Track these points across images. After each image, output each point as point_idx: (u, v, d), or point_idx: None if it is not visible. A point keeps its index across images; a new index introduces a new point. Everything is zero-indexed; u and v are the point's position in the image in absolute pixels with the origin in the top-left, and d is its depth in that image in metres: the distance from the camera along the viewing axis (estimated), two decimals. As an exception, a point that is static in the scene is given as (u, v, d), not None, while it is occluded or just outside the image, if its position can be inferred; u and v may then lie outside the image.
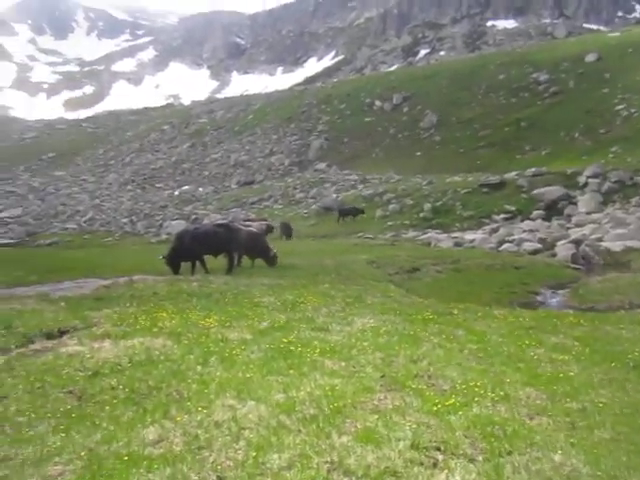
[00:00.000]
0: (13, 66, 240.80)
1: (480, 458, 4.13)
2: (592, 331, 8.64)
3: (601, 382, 6.01)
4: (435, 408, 4.99)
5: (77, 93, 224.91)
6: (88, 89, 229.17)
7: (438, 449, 4.24)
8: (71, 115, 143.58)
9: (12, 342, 7.23)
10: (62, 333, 7.88)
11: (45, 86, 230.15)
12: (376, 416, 4.80)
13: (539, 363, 6.68)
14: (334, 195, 44.92)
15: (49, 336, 7.69)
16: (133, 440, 4.35)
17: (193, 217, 44.17)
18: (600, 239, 23.06)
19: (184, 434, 4.45)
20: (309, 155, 65.85)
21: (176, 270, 15.19)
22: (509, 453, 4.21)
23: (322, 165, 61.62)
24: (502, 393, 5.47)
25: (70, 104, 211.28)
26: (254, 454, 4.07)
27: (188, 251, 15.32)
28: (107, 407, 5.12)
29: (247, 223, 22.85)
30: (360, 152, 63.45)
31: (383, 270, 18.40)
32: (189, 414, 4.84)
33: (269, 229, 26.54)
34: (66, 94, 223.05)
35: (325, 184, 51.94)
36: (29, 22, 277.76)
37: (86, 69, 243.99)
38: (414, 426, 4.58)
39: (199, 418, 4.74)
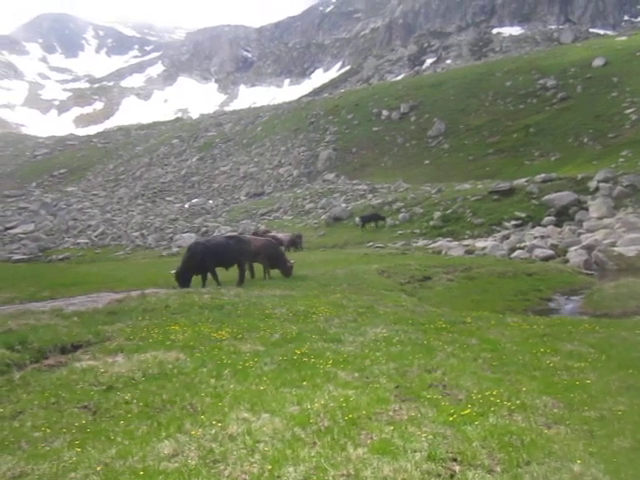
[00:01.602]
0: (25, 84, 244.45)
1: (498, 469, 4.08)
2: (608, 338, 8.53)
3: (619, 389, 5.93)
4: (451, 418, 4.94)
5: (87, 109, 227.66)
6: (98, 105, 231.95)
7: (455, 460, 4.19)
8: (82, 131, 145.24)
9: (27, 357, 7.29)
10: (76, 348, 7.92)
11: (56, 103, 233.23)
12: (391, 427, 4.77)
13: (555, 371, 6.60)
14: (343, 205, 44.94)
15: (63, 351, 7.74)
16: (148, 455, 4.35)
17: (203, 229, 44.37)
18: (613, 244, 22.84)
19: (199, 448, 4.44)
20: (318, 166, 66.02)
21: (186, 284, 15.06)
22: (527, 463, 4.15)
23: (331, 175, 61.74)
24: (518, 402, 5.41)
25: (81, 120, 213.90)
26: (269, 467, 4.05)
27: (200, 263, 15.33)
28: (122, 421, 5.13)
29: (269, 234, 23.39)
30: (368, 161, 63.54)
31: (394, 279, 18.32)
32: (203, 428, 4.83)
33: (298, 238, 31.22)
34: (77, 110, 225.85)
35: (334, 194, 51.99)
36: (40, 41, 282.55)
37: (96, 85, 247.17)
38: (430, 437, 4.53)
39: (213, 432, 4.73)
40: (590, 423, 5.01)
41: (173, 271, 15.37)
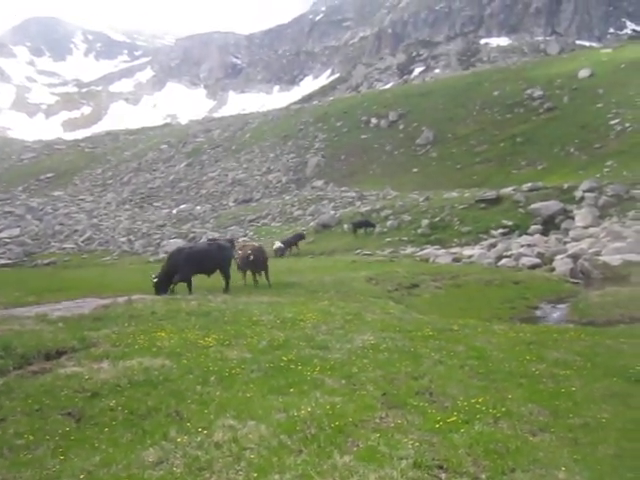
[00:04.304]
0: (12, 88, 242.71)
1: (483, 476, 4.10)
2: (593, 346, 8.61)
3: (603, 397, 5.98)
4: (437, 426, 4.96)
5: (75, 114, 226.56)
6: (86, 109, 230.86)
7: (441, 467, 4.20)
8: (69, 135, 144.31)
9: (10, 363, 7.18)
10: (60, 354, 7.82)
11: (44, 107, 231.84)
12: (378, 435, 4.77)
13: (540, 379, 6.65)
14: (332, 212, 44.97)
15: (48, 357, 7.64)
16: (133, 462, 4.31)
17: (191, 236, 44.15)
18: (598, 253, 23.06)
19: (184, 456, 4.41)
20: (306, 172, 66.06)
21: (164, 292, 14.87)
22: (512, 470, 4.17)
23: (319, 182, 61.80)
24: (504, 409, 5.44)
25: (68, 124, 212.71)
26: (255, 475, 4.03)
27: (183, 270, 15.17)
28: (106, 429, 5.08)
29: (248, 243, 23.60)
30: (357, 169, 63.72)
31: (382, 286, 18.37)
32: (189, 435, 4.80)
33: (301, 237, 35.41)
34: (64, 115, 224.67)
35: (323, 201, 52.00)
36: (28, 44, 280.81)
37: (84, 90, 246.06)
38: (416, 444, 4.54)
39: (199, 439, 4.70)
40: (575, 430, 5.05)
41: (153, 276, 15.23)
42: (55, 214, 57.83)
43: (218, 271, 16.33)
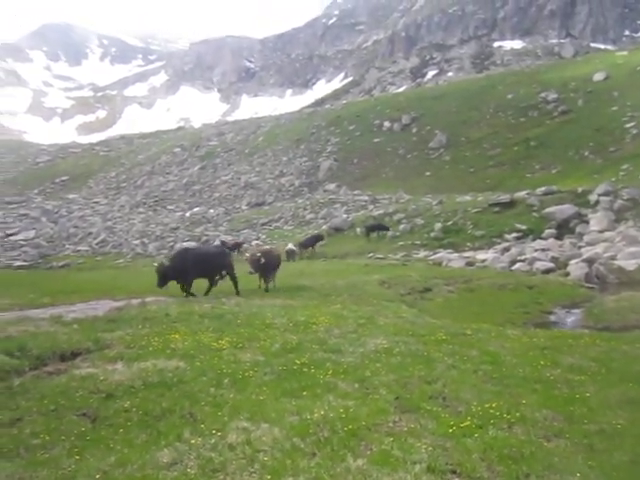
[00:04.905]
0: (29, 92, 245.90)
1: (498, 481, 4.07)
2: (608, 351, 8.51)
3: (619, 403, 5.91)
4: (451, 430, 4.93)
5: (90, 117, 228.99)
6: (101, 113, 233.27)
7: (454, 472, 4.18)
8: (84, 139, 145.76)
9: (26, 364, 7.27)
10: (75, 355, 7.90)
11: (59, 111, 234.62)
12: (391, 438, 4.76)
13: (555, 384, 6.59)
14: (344, 216, 44.97)
15: (62, 358, 7.72)
16: (147, 463, 4.34)
17: (204, 239, 44.38)
18: (613, 257, 22.82)
19: (198, 457, 4.43)
20: (319, 176, 66.14)
21: (164, 285, 14.76)
22: (527, 476, 4.15)
23: (332, 186, 61.83)
24: (518, 415, 5.40)
25: (83, 128, 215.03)
26: (269, 477, 4.05)
27: (188, 270, 15.08)
28: (121, 430, 5.12)
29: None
30: (370, 172, 63.67)
31: (395, 290, 18.31)
32: (203, 437, 4.82)
33: (320, 238, 35.36)
34: (80, 118, 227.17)
35: (335, 205, 52.01)
36: (44, 49, 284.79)
37: (99, 94, 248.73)
38: (430, 449, 4.53)
39: (213, 441, 4.72)
40: (590, 437, 5.00)
41: (156, 264, 15.09)
42: (70, 217, 58.47)
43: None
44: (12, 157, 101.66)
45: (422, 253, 30.80)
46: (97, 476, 4.15)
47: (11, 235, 47.58)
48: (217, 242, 37.26)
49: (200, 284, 15.75)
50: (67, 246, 45.07)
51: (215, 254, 16.34)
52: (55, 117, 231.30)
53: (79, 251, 43.30)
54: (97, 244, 45.62)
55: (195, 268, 15.14)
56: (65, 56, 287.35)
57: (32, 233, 48.49)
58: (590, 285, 20.34)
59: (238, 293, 15.82)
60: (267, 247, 21.37)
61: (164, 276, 14.59)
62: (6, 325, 9.45)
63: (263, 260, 16.95)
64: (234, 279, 16.25)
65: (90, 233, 49.76)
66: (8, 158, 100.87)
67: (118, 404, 5.74)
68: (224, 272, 16.22)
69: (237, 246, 35.93)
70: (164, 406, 5.65)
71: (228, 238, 40.78)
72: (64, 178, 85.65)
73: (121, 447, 4.70)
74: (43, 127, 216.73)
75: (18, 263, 37.91)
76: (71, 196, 73.53)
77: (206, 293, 15.56)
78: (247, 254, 18.70)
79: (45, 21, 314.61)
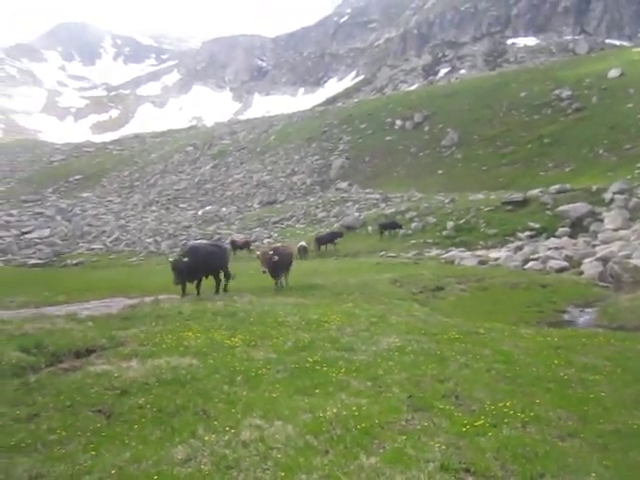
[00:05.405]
0: (43, 92, 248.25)
1: (511, 480, 4.06)
2: (623, 351, 8.44)
3: (634, 403, 5.87)
4: (464, 429, 4.92)
5: (104, 117, 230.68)
6: (114, 112, 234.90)
7: (468, 471, 4.18)
8: (98, 138, 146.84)
9: (42, 361, 7.38)
10: (90, 352, 8.00)
11: (73, 110, 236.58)
12: (404, 437, 4.76)
13: (569, 384, 6.55)
14: (356, 214, 44.93)
15: (78, 355, 7.82)
16: (162, 459, 4.38)
17: (216, 237, 44.58)
18: (628, 256, 22.55)
19: (212, 454, 4.47)
20: (331, 174, 66.09)
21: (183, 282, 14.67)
22: (541, 476, 4.13)
23: (344, 184, 61.77)
24: (532, 414, 5.38)
25: (97, 127, 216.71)
26: (282, 474, 4.07)
27: (199, 267, 15.04)
28: (136, 426, 5.17)
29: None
30: (381, 171, 63.50)
31: (407, 289, 18.27)
32: (217, 434, 4.86)
33: (338, 235, 35.29)
34: (93, 118, 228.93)
35: (347, 203, 51.98)
36: (59, 49, 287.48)
37: (113, 93, 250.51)
38: (443, 447, 4.52)
39: (227, 438, 4.75)
40: (605, 436, 4.96)
41: (171, 259, 15.05)
42: (84, 215, 58.98)
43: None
44: (27, 156, 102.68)
45: (434, 251, 30.70)
46: (112, 471, 4.20)
47: (26, 233, 48.11)
48: (228, 241, 37.45)
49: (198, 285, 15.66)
50: (81, 244, 45.49)
51: (218, 252, 16.32)
52: (69, 116, 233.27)
53: (93, 249, 43.68)
54: (111, 242, 46.00)
55: (204, 265, 15.23)
56: (79, 56, 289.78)
57: (47, 231, 49.00)
58: (604, 284, 20.15)
59: (218, 292, 15.58)
60: (279, 245, 21.31)
61: (181, 272, 14.47)
62: (23, 322, 9.59)
63: (276, 257, 16.84)
64: (226, 277, 16.22)
65: (104, 231, 50.18)
66: (24, 157, 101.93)
67: (132, 401, 5.80)
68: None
69: (246, 244, 36.15)
70: (178, 403, 5.70)
71: (240, 236, 40.92)
72: (78, 177, 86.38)
73: (136, 443, 4.75)
74: (57, 126, 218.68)
75: (33, 261, 38.33)
76: (85, 195, 74.17)
77: (217, 291, 15.60)
78: (258, 252, 18.62)
79: (59, 21, 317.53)
